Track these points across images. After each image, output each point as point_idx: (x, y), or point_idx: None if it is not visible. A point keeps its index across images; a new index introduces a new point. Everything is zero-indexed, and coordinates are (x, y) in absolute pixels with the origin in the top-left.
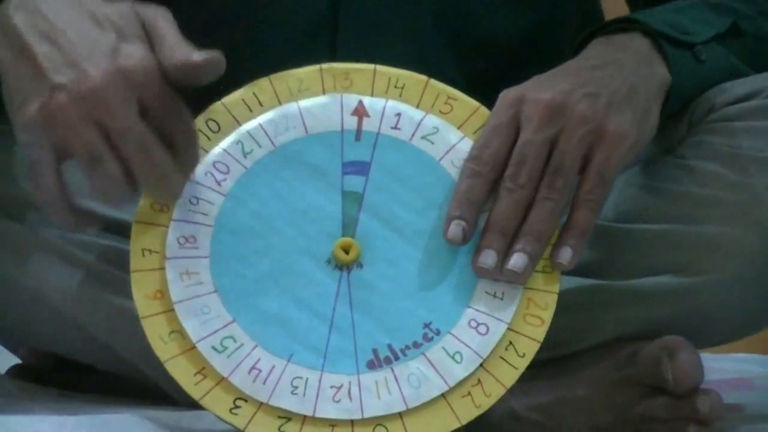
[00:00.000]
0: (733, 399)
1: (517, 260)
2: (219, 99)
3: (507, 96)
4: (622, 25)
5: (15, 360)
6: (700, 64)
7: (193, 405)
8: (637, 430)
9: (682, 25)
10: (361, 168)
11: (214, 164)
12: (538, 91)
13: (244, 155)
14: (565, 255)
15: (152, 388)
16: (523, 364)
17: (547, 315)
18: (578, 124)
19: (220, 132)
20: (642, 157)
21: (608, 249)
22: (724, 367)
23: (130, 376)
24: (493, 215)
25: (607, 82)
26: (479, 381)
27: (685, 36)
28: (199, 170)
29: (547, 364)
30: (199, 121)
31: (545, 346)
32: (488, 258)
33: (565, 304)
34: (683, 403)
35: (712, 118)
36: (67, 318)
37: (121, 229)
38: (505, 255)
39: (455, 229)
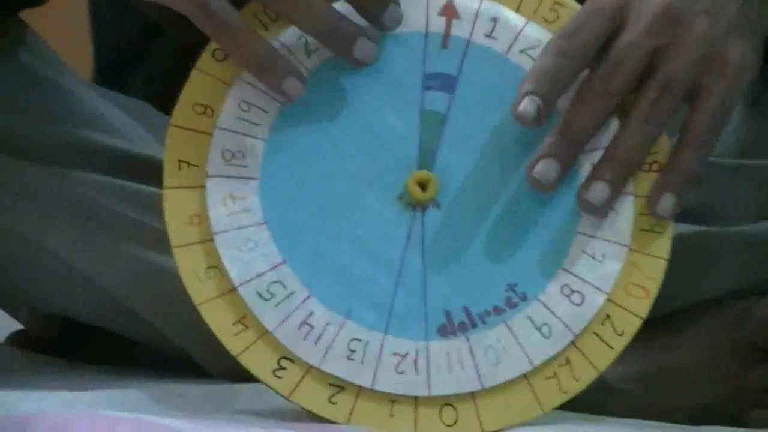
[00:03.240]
0: None
1: (597, 190)
2: None
3: None
4: None
5: (16, 325)
6: None
7: (226, 377)
8: (749, 404)
9: None
10: (446, 83)
11: None
12: None
13: (308, 53)
14: (668, 203)
15: (176, 357)
16: (621, 344)
17: (654, 286)
18: (697, 42)
19: (280, 20)
20: None
21: (715, 189)
22: None
23: (150, 341)
24: (565, 119)
25: (725, 5)
26: (568, 361)
27: None
28: None
29: (643, 325)
30: (255, 6)
31: None
32: (548, 168)
33: None
34: None
35: None
36: (76, 272)
37: (139, 167)
38: (568, 168)
39: (528, 104)
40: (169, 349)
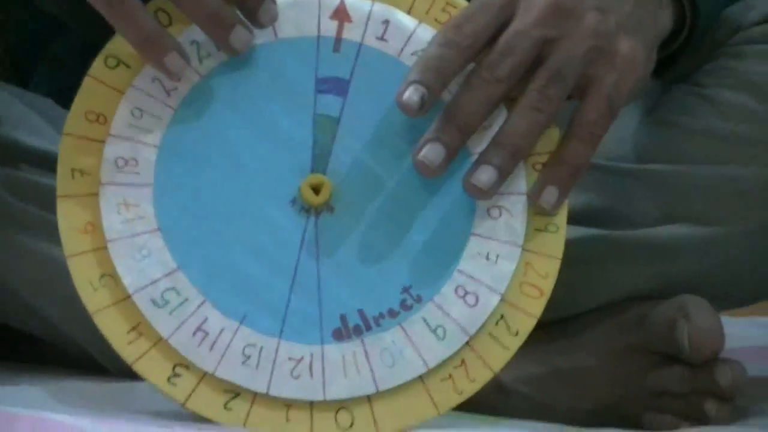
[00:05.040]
0: (758, 371)
1: (483, 173)
2: None
3: None
4: None
5: None
6: None
7: (125, 374)
8: (645, 407)
9: None
10: (338, 86)
11: None
12: None
13: (200, 60)
14: (551, 196)
15: (77, 353)
16: (515, 344)
17: (548, 285)
18: (587, 35)
19: (171, 27)
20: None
21: (615, 193)
22: (747, 333)
23: (50, 337)
24: (453, 104)
25: (616, 4)
26: (463, 362)
27: None
28: (144, 75)
29: (540, 327)
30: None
31: None
32: (431, 152)
33: (566, 256)
34: (700, 375)
35: (736, 40)
36: None
37: (41, 162)
38: (454, 154)
39: (413, 92)
40: (69, 345)
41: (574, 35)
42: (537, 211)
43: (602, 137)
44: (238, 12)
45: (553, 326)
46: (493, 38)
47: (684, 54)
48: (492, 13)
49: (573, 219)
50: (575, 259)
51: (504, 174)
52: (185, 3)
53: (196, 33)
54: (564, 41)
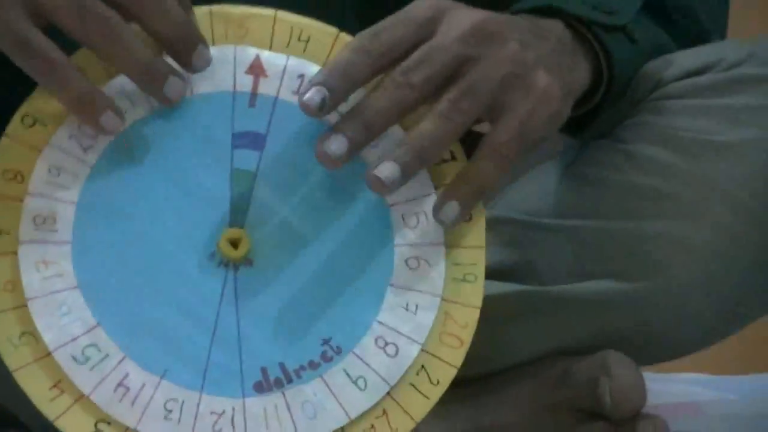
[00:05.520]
0: (679, 426)
1: (386, 168)
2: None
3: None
4: (543, 11)
5: None
6: (633, 44)
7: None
8: None
9: (606, 3)
10: (254, 141)
11: (79, 125)
12: (469, 9)
13: None
14: (451, 211)
15: (2, 417)
16: (436, 394)
17: (467, 334)
18: (506, 60)
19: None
20: (557, 152)
21: (537, 249)
22: (668, 390)
23: None
24: (362, 102)
25: (538, 43)
26: (384, 412)
27: (612, 17)
28: (60, 133)
29: (464, 384)
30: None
31: (463, 362)
32: (334, 143)
33: (487, 313)
34: (623, 431)
35: (657, 95)
36: None
37: None
38: (356, 150)
39: (315, 93)
40: None
41: (493, 59)
42: (439, 224)
43: (511, 162)
44: (171, 59)
45: (476, 383)
46: (409, 53)
47: (603, 110)
48: (412, 27)
49: (493, 274)
50: (497, 316)
51: (407, 173)
52: (117, 58)
53: (113, 90)
54: (482, 62)
